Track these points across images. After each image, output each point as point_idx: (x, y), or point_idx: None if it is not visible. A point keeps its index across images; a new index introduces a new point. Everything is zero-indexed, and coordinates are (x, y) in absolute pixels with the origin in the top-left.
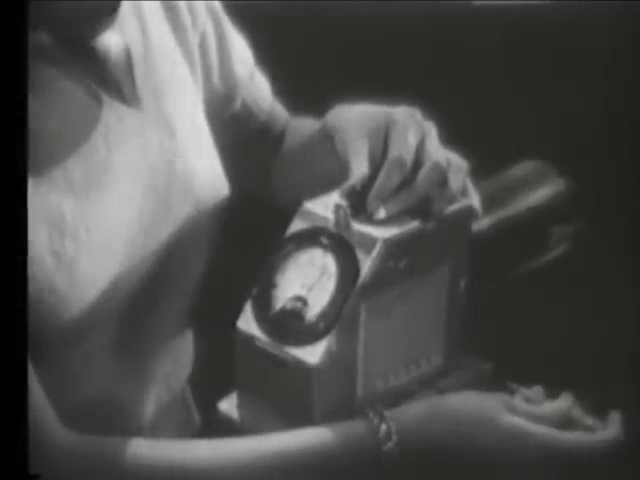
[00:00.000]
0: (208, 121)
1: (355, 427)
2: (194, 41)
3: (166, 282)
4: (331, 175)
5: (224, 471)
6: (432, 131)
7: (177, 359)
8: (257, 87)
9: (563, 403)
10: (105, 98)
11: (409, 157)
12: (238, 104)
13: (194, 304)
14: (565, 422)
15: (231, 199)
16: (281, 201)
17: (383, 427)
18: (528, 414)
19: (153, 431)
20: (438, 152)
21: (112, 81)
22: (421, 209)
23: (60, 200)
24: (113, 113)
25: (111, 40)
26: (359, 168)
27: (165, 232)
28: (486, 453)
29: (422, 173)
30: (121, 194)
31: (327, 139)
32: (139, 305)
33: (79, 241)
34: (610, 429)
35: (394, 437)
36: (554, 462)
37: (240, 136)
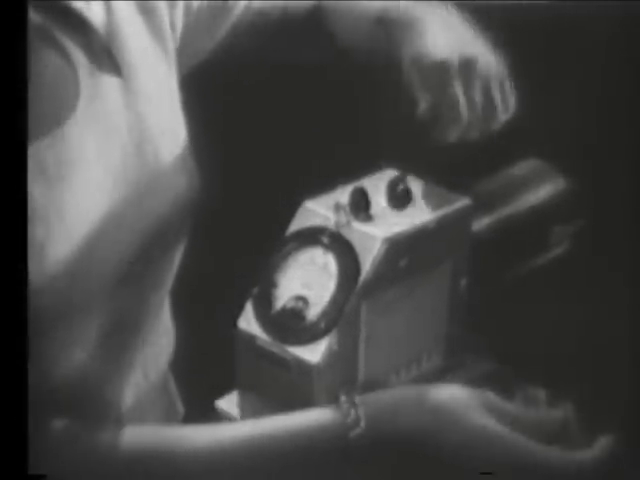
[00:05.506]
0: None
1: (325, 413)
2: (168, 17)
3: (139, 270)
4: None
5: (199, 457)
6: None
7: (154, 347)
8: None
9: (559, 413)
10: (81, 81)
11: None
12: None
13: (173, 292)
14: (554, 433)
15: (231, 199)
16: None
17: (352, 412)
18: (507, 416)
19: (134, 420)
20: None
21: (92, 51)
22: None
23: (31, 184)
24: (85, 97)
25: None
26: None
27: (137, 220)
28: (451, 450)
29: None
30: (92, 180)
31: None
32: (112, 293)
33: (49, 226)
34: (593, 451)
35: (362, 423)
36: (521, 471)
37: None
